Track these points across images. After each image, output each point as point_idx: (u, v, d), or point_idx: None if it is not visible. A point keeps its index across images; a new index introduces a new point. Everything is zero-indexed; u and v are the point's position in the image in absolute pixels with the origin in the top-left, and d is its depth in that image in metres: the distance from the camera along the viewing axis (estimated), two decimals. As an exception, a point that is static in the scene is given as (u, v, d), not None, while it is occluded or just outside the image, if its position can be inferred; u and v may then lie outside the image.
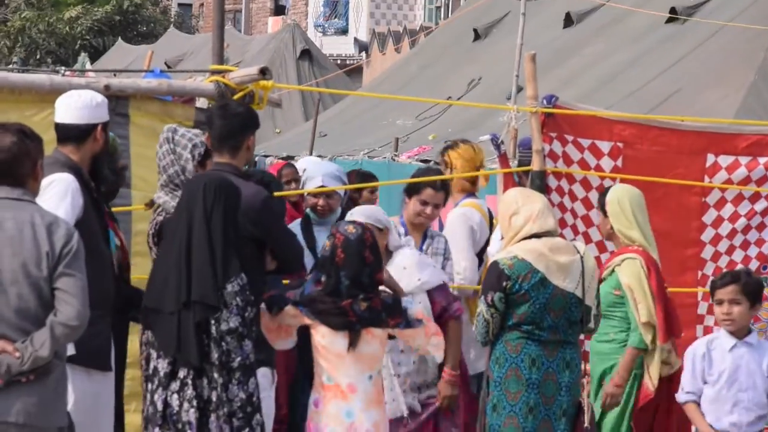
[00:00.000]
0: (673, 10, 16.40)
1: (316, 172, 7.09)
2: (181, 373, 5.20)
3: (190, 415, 5.16)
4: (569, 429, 5.95)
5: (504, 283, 5.84)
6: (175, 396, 5.20)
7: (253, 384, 5.24)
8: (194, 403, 5.17)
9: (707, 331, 7.13)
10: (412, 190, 6.80)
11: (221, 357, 5.15)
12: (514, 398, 5.86)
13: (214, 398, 5.17)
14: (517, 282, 5.84)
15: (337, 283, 5.34)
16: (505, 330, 5.90)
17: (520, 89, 7.50)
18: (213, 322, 5.15)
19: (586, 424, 6.19)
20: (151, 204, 5.83)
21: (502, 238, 6.20)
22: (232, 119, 5.73)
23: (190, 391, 5.17)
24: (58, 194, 5.12)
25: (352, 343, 5.32)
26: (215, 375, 5.17)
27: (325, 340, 5.34)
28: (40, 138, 4.75)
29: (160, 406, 5.22)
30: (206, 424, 5.18)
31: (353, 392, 5.34)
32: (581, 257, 5.97)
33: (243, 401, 5.20)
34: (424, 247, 6.71)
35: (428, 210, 6.73)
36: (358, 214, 6.16)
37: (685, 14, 16.27)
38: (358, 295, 5.33)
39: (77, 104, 5.34)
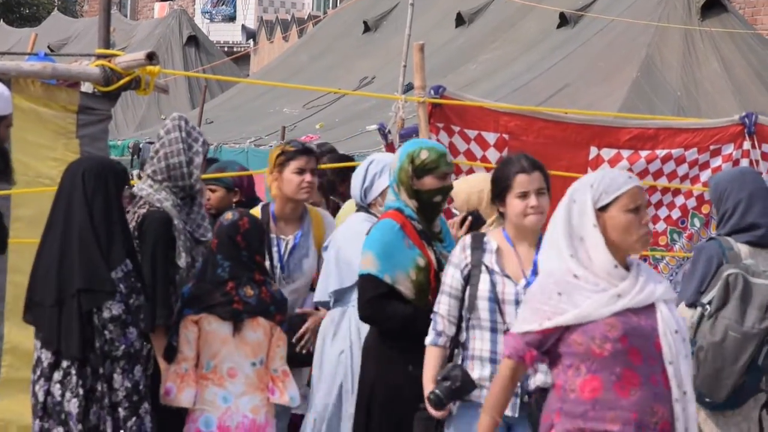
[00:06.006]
0: (562, 16, 16.58)
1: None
2: (65, 363, 5.11)
3: (72, 405, 5.07)
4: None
5: None
6: (58, 386, 5.11)
7: (139, 372, 5.16)
8: (77, 392, 5.07)
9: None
10: (501, 188, 5.00)
11: (103, 346, 5.07)
12: None
13: (98, 388, 5.09)
14: None
15: (216, 267, 5.32)
16: None
17: (411, 86, 7.46)
18: (95, 310, 5.05)
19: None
20: (131, 197, 5.69)
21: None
22: None
23: (73, 381, 5.08)
24: None
25: (237, 329, 5.31)
26: (98, 365, 5.08)
27: (211, 326, 5.32)
28: None
29: (41, 398, 5.13)
30: (89, 414, 5.09)
31: (233, 377, 5.33)
32: None
33: (128, 390, 5.12)
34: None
35: (532, 199, 4.96)
36: None
37: (574, 18, 16.46)
38: (242, 276, 5.32)
39: None
